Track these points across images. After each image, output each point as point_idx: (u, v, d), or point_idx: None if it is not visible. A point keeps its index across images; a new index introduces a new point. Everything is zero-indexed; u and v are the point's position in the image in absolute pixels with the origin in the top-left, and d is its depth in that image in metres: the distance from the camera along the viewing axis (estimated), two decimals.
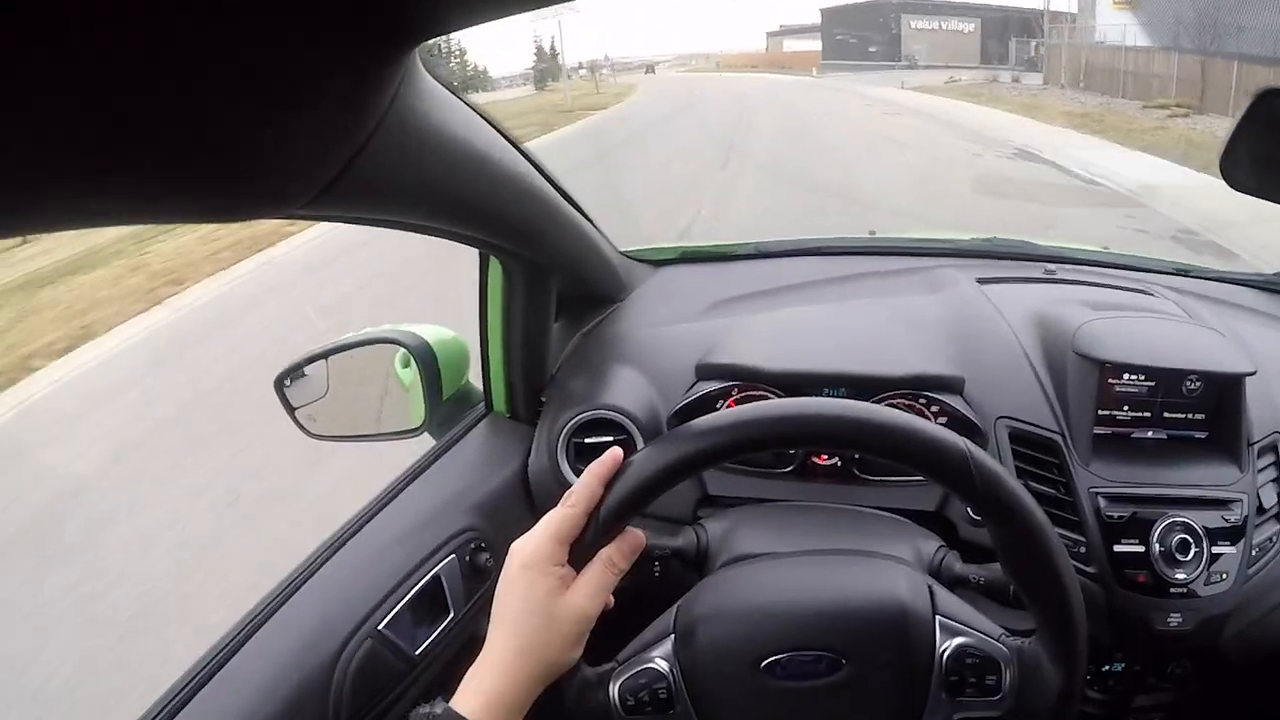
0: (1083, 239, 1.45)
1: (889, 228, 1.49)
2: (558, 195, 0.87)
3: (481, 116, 0.66)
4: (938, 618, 0.62)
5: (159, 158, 0.33)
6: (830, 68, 47.97)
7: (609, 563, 0.57)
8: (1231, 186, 0.71)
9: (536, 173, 0.80)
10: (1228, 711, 1.19)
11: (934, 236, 1.39)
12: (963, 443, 0.55)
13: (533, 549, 0.57)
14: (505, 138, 0.71)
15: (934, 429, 0.56)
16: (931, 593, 0.65)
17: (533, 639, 0.55)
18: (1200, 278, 1.29)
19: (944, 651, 0.61)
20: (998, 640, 0.62)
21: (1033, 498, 0.57)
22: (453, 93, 0.58)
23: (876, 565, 0.69)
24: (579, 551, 0.57)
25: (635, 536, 0.59)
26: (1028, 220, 6.13)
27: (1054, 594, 0.58)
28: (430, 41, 0.48)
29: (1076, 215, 6.77)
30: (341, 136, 0.42)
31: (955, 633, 0.62)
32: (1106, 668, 1.06)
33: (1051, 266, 1.25)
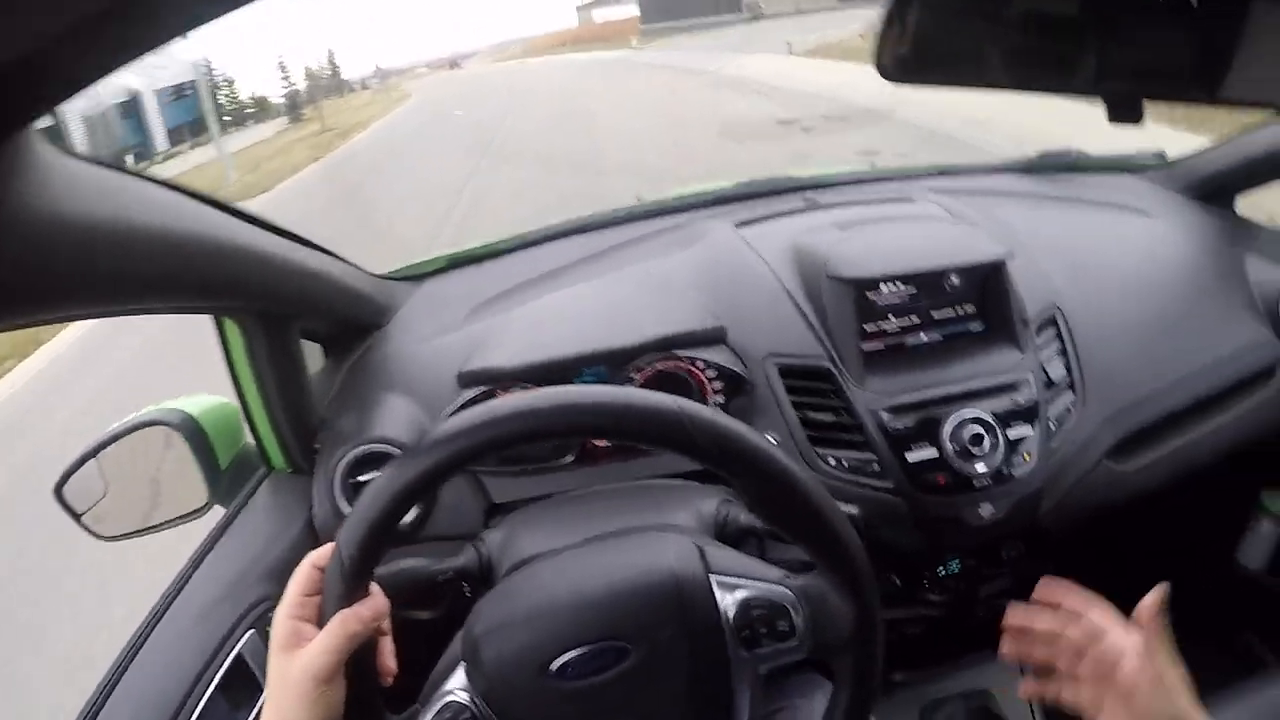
0: None
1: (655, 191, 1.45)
2: (276, 239, 0.86)
3: (155, 182, 0.64)
4: (712, 577, 0.63)
5: None
6: (654, 34, 41.22)
7: (340, 625, 0.56)
8: (890, 79, 0.77)
9: (243, 223, 0.78)
10: (1077, 570, 1.28)
11: (693, 190, 1.41)
12: (674, 402, 0.55)
13: (281, 610, 0.58)
14: (194, 196, 0.69)
15: (644, 397, 0.56)
16: (702, 553, 0.65)
17: (270, 701, 0.56)
18: (963, 174, 1.36)
19: (727, 609, 0.62)
20: (778, 584, 0.63)
21: (761, 436, 0.57)
22: (104, 165, 0.56)
23: (645, 540, 0.69)
24: (327, 612, 0.57)
25: (377, 603, 0.59)
26: None
27: (813, 526, 0.58)
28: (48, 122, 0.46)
29: None
30: None
31: (734, 587, 0.62)
32: (942, 570, 1.11)
33: (811, 194, 1.28)
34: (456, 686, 0.62)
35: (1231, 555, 1.43)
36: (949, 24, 0.75)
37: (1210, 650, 1.44)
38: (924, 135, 6.93)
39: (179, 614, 0.86)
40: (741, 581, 0.63)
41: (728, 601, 0.62)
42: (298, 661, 0.55)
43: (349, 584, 0.57)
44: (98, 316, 0.64)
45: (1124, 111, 0.65)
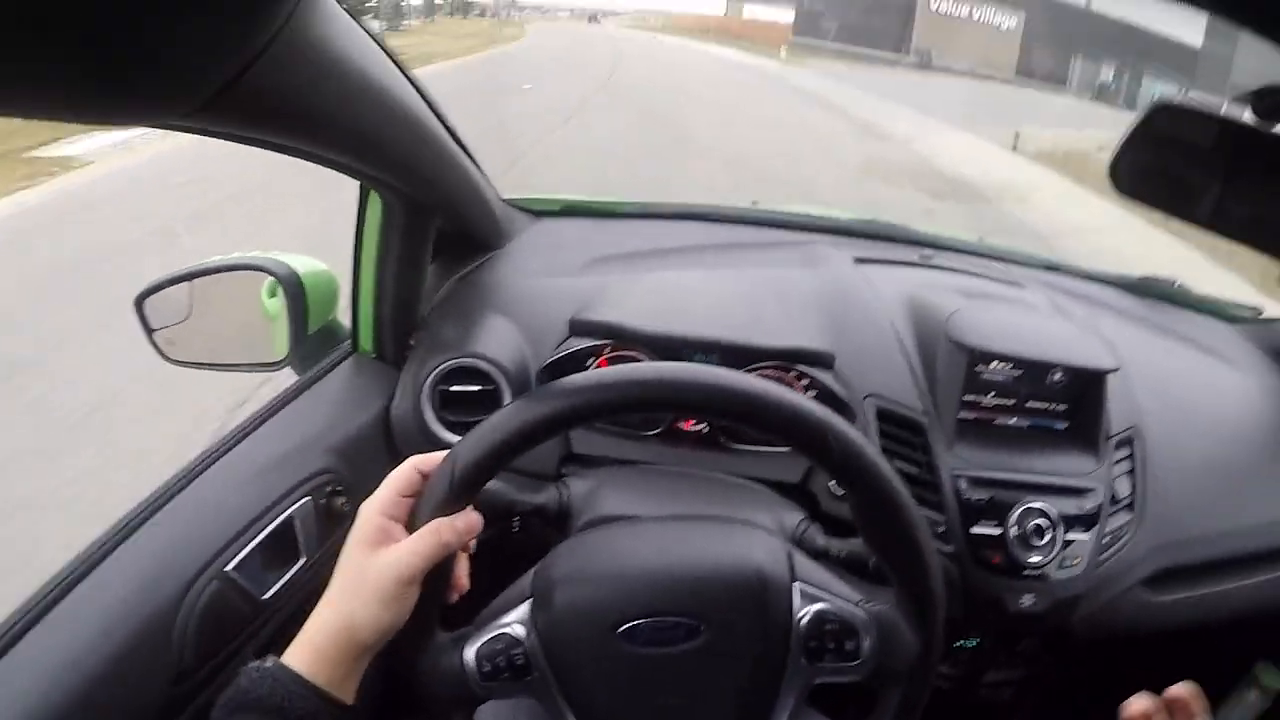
0: None
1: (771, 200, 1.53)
2: (446, 134, 0.88)
3: (379, 45, 0.68)
4: (796, 584, 0.64)
5: (38, 45, 0.33)
6: (805, 49, 34.52)
7: (434, 532, 0.56)
8: (1121, 192, 0.80)
9: (428, 108, 0.81)
10: (1073, 685, 1.29)
11: (815, 213, 1.45)
12: (821, 411, 0.58)
13: (372, 505, 0.58)
14: (400, 69, 0.73)
15: (795, 397, 0.58)
16: (790, 559, 0.66)
17: (343, 590, 0.56)
18: (1070, 275, 1.38)
19: (802, 618, 0.62)
20: (857, 606, 0.64)
21: (889, 465, 0.59)
22: (353, 18, 0.60)
23: (736, 531, 0.70)
24: (424, 516, 0.57)
25: (473, 519, 0.59)
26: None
27: (910, 559, 0.61)
28: None
29: None
30: (234, 45, 0.43)
31: (814, 599, 0.63)
32: (959, 644, 1.11)
33: (927, 252, 1.31)
34: (516, 620, 0.62)
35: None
36: (1186, 158, 0.76)
37: None
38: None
39: (231, 466, 0.86)
40: (823, 594, 0.64)
41: (805, 610, 0.63)
42: (384, 559, 0.55)
43: (454, 495, 0.57)
44: (287, 152, 0.66)
45: None
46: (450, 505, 0.57)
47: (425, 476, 0.59)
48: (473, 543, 0.61)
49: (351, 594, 0.56)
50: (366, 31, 0.64)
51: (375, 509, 0.58)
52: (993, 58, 28.33)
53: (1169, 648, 1.18)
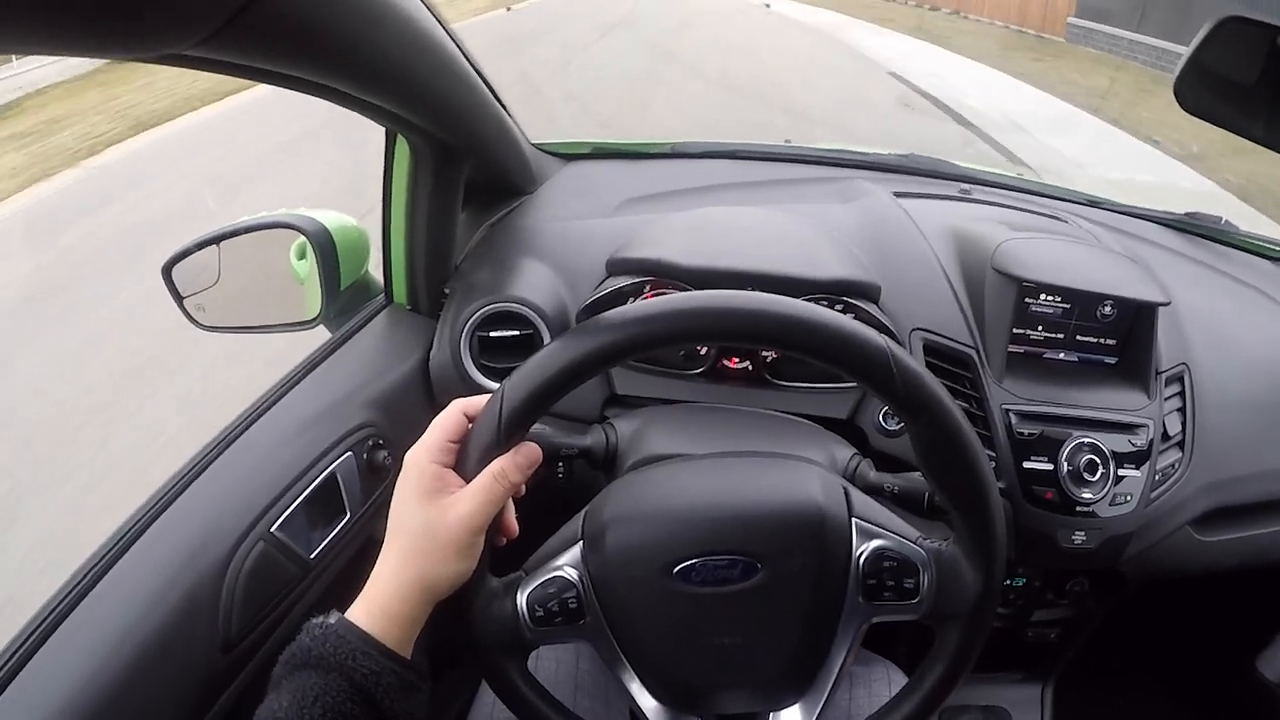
0: None
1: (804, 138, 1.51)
2: (475, 75, 0.88)
3: None
4: (854, 520, 0.63)
5: None
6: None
7: (500, 475, 0.56)
8: (1185, 110, 0.78)
9: (456, 48, 0.81)
10: (1120, 626, 1.34)
11: (851, 148, 1.45)
12: (883, 340, 0.56)
13: (421, 453, 0.57)
14: (427, 8, 0.72)
15: (856, 326, 0.56)
16: (848, 495, 0.65)
17: (413, 547, 0.55)
18: (1111, 210, 1.38)
19: (861, 555, 0.62)
20: (915, 543, 0.63)
21: (951, 397, 0.58)
22: None
23: (791, 467, 0.69)
24: (474, 458, 0.57)
25: (532, 450, 0.58)
26: None
27: (973, 494, 0.59)
28: None
29: None
30: None
31: (872, 535, 0.63)
32: (1008, 582, 1.15)
33: (966, 186, 1.32)
34: (568, 564, 0.62)
35: (1251, 659, 1.46)
36: (1247, 76, 0.75)
37: None
38: None
39: (270, 426, 0.88)
40: (881, 531, 0.63)
41: (863, 547, 0.63)
42: (454, 510, 0.55)
43: (504, 436, 0.56)
44: (306, 88, 0.65)
45: None
46: (499, 447, 0.57)
47: (471, 420, 0.58)
48: (523, 486, 0.61)
49: (422, 550, 0.55)
50: None
51: (426, 457, 0.57)
52: None
53: (1216, 591, 1.22)
